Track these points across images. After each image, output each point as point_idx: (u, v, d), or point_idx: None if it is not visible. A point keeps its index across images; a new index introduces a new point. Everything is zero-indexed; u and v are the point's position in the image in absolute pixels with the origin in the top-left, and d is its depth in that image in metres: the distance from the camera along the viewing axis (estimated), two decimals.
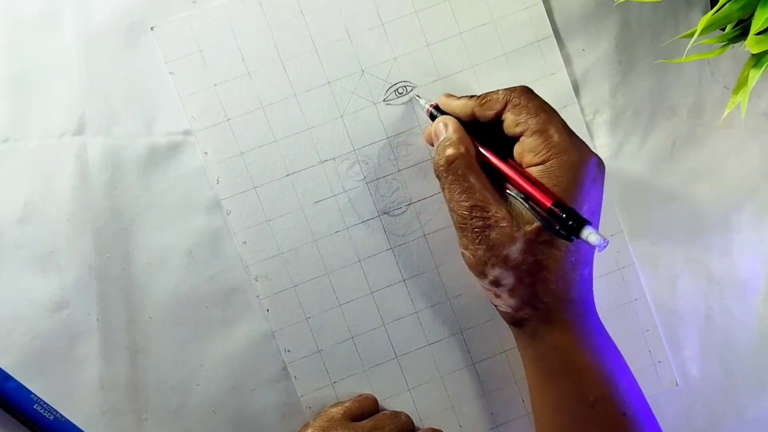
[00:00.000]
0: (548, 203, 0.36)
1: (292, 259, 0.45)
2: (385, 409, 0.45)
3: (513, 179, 0.38)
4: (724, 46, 0.40)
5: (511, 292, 0.38)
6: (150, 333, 0.44)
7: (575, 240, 0.35)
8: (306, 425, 0.44)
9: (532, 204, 0.37)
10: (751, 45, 0.37)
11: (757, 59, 0.39)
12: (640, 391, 0.40)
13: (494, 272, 0.38)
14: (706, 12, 0.43)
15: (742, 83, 0.40)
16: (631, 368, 0.40)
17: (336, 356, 0.45)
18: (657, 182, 0.47)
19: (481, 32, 0.46)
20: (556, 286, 0.38)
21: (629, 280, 0.46)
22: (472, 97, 0.41)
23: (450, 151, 0.39)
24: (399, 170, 0.46)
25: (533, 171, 0.38)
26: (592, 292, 0.40)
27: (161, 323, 0.44)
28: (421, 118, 0.45)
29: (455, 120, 0.41)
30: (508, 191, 0.39)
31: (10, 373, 0.43)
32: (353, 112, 0.45)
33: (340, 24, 0.45)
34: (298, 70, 0.45)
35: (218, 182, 0.45)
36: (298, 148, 0.45)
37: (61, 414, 0.43)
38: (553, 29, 0.46)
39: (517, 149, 0.39)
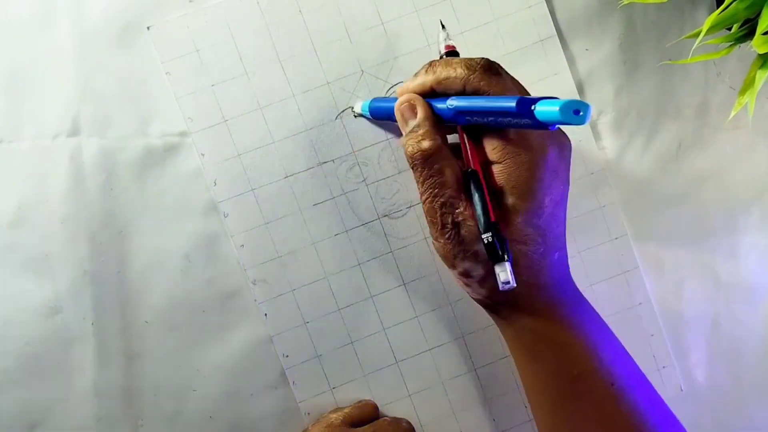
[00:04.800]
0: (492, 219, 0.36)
1: (291, 262, 0.44)
2: (386, 416, 0.45)
3: (482, 182, 0.37)
4: (731, 46, 0.40)
5: (481, 282, 0.38)
6: (146, 338, 0.44)
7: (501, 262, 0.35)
8: (304, 431, 0.44)
9: (480, 212, 0.36)
10: (757, 45, 0.37)
11: (764, 59, 0.39)
12: (632, 360, 0.40)
13: (464, 264, 0.37)
14: (711, 11, 0.43)
15: (749, 84, 0.40)
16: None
17: (335, 361, 0.45)
18: (662, 184, 0.46)
19: (483, 31, 0.45)
20: (526, 275, 0.37)
21: (634, 283, 0.46)
22: (428, 68, 0.38)
23: (427, 144, 0.37)
24: (399, 172, 0.45)
25: (493, 169, 0.37)
26: (567, 271, 0.39)
27: (157, 328, 0.44)
28: None
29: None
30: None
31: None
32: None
33: (340, 23, 0.44)
34: (296, 70, 0.44)
35: (215, 184, 0.44)
36: (297, 150, 0.44)
37: None
38: (556, 29, 0.45)
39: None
